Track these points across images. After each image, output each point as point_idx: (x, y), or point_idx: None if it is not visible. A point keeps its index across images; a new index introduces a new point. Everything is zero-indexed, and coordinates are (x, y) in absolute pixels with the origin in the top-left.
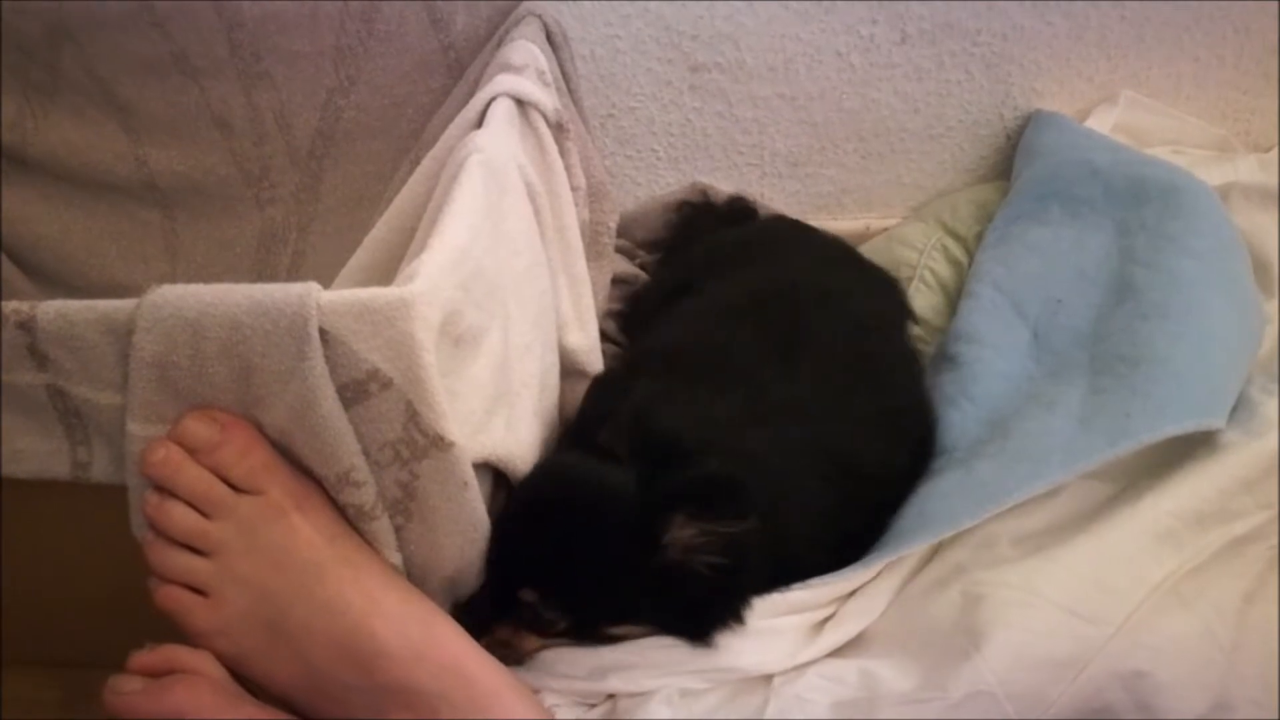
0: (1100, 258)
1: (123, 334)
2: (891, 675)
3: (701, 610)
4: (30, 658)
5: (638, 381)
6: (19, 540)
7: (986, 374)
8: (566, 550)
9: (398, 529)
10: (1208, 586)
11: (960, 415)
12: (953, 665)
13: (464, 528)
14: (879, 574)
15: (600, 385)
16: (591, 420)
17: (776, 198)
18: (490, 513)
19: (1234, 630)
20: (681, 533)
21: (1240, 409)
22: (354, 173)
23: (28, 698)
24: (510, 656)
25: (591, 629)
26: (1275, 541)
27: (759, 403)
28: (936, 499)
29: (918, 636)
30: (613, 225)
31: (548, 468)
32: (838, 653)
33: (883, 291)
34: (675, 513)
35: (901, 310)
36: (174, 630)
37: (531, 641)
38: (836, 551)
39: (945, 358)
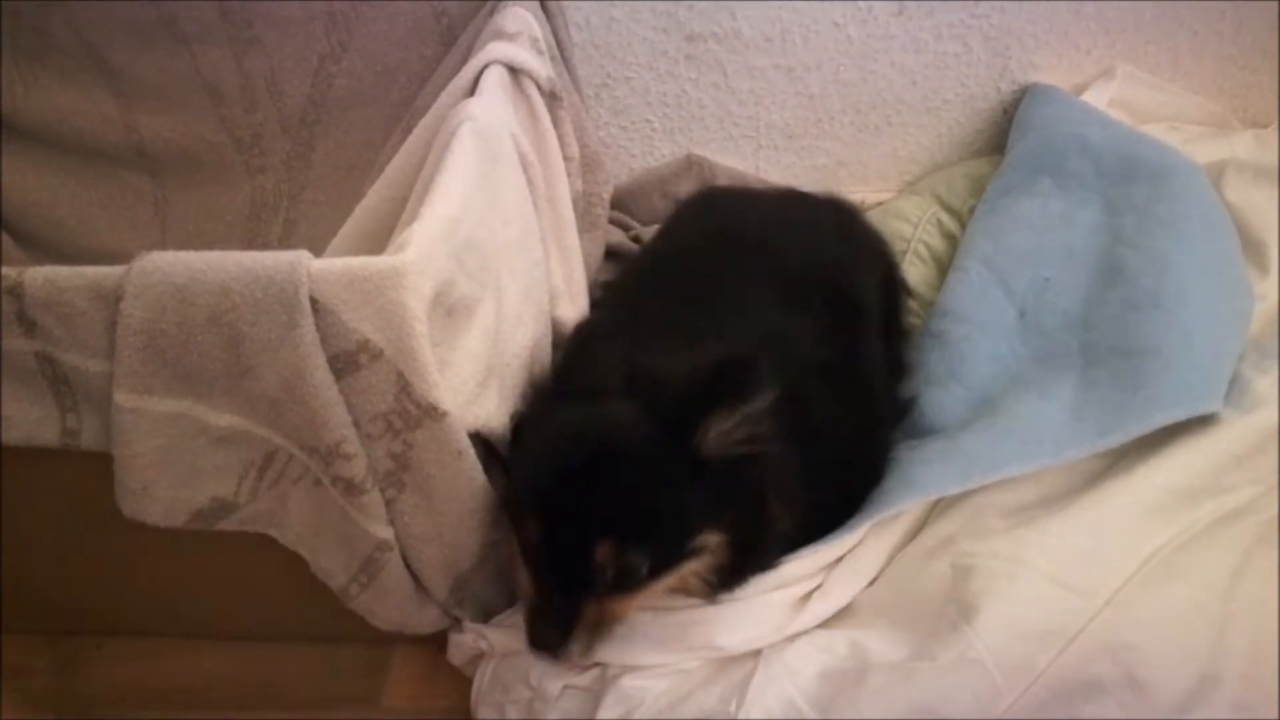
0: (1088, 235)
1: (111, 301)
2: (880, 645)
3: (750, 506)
4: (20, 626)
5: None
6: (12, 511)
7: (974, 354)
8: (619, 491)
9: (389, 501)
10: (1198, 560)
11: (950, 397)
12: (942, 635)
13: (461, 495)
14: (865, 543)
15: (580, 336)
16: (575, 369)
17: (772, 170)
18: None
19: (1224, 603)
20: (719, 425)
21: (1233, 385)
22: (346, 140)
23: (18, 665)
24: (604, 636)
25: (672, 556)
26: (1265, 516)
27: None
28: (921, 465)
29: (907, 607)
30: (606, 196)
31: (561, 424)
32: (827, 622)
33: (870, 256)
34: (716, 407)
35: (890, 281)
36: (155, 597)
37: (621, 606)
38: (806, 507)
39: (931, 334)
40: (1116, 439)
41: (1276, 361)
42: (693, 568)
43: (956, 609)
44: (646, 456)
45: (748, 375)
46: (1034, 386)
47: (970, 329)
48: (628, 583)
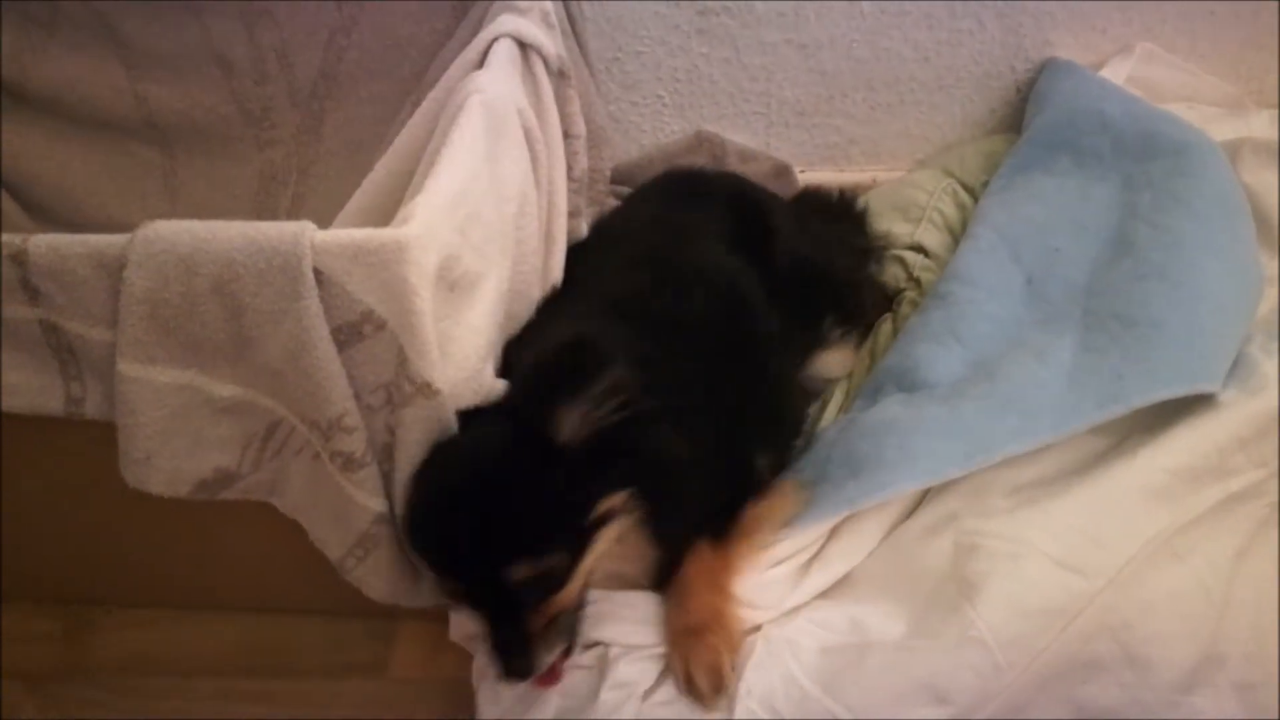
0: (1103, 210)
1: (115, 269)
2: (881, 621)
3: (647, 460)
4: (27, 594)
5: None
6: (17, 479)
7: (976, 315)
8: (500, 513)
9: (386, 475)
10: (1201, 542)
11: (945, 353)
12: (944, 613)
13: None
14: (865, 514)
15: None
16: None
17: (783, 147)
18: None
19: (1226, 585)
20: (569, 417)
21: (1239, 367)
22: (356, 115)
23: (25, 632)
24: (563, 632)
25: (584, 535)
26: (1270, 499)
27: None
28: (920, 436)
29: (908, 583)
30: (608, 172)
31: (423, 478)
32: (827, 595)
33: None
34: (555, 405)
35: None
36: (163, 567)
37: (565, 598)
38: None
39: (937, 295)
40: (1115, 410)
41: None
42: (614, 532)
43: (958, 587)
44: (508, 468)
45: (584, 357)
46: (1032, 350)
47: (975, 292)
48: (558, 580)
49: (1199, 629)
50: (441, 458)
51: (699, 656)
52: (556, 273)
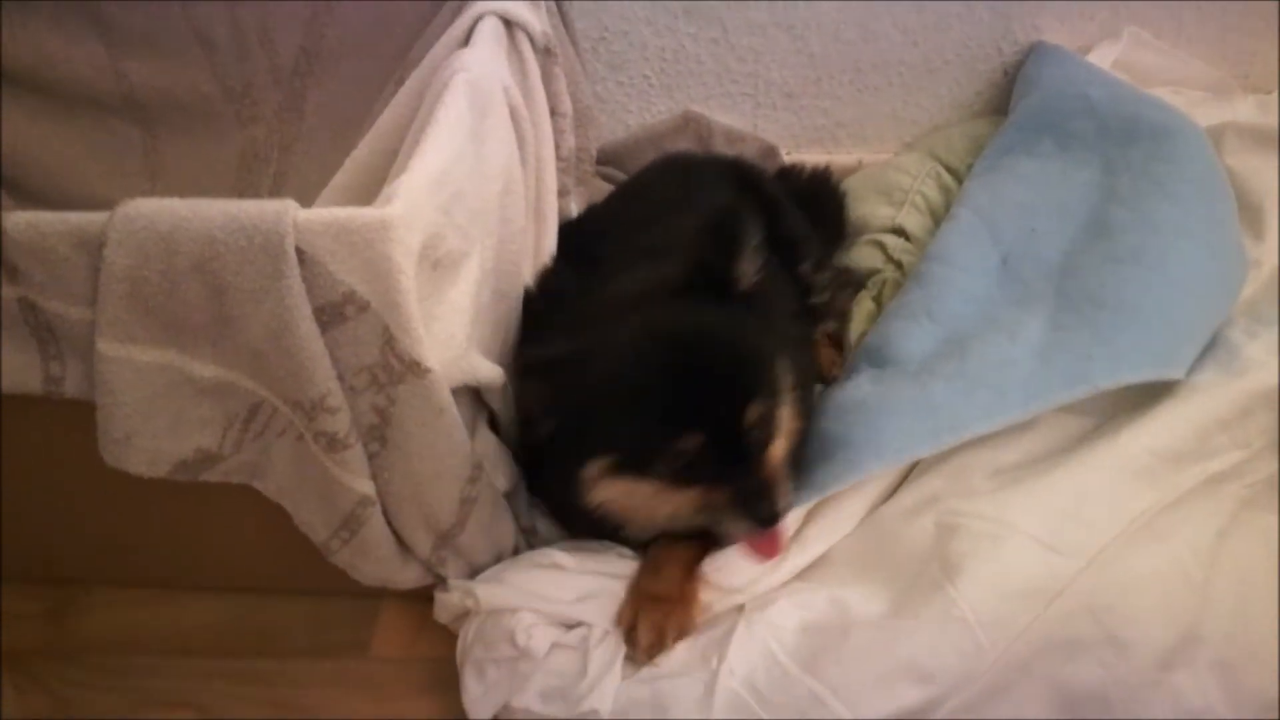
0: (1082, 193)
1: (94, 247)
2: (861, 601)
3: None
4: (11, 573)
5: None
6: (6, 461)
7: (950, 293)
8: (734, 356)
9: (372, 456)
10: (1182, 523)
11: (917, 329)
12: (926, 593)
13: (440, 454)
14: (844, 494)
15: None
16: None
17: (770, 129)
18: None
19: (1207, 566)
20: (747, 265)
21: (1220, 350)
22: (338, 92)
23: (9, 611)
24: (786, 479)
25: (777, 385)
26: (1251, 480)
27: None
28: (889, 415)
29: (890, 563)
30: (594, 151)
31: (638, 349)
32: (808, 578)
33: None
34: (733, 257)
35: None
36: (147, 547)
37: (779, 448)
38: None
39: (915, 275)
40: (1082, 391)
41: (1276, 325)
42: (788, 386)
43: (940, 567)
44: (722, 319)
45: (742, 218)
46: (1003, 328)
47: (951, 270)
48: (773, 428)
49: (1179, 609)
50: (647, 329)
51: (650, 616)
52: (547, 251)
